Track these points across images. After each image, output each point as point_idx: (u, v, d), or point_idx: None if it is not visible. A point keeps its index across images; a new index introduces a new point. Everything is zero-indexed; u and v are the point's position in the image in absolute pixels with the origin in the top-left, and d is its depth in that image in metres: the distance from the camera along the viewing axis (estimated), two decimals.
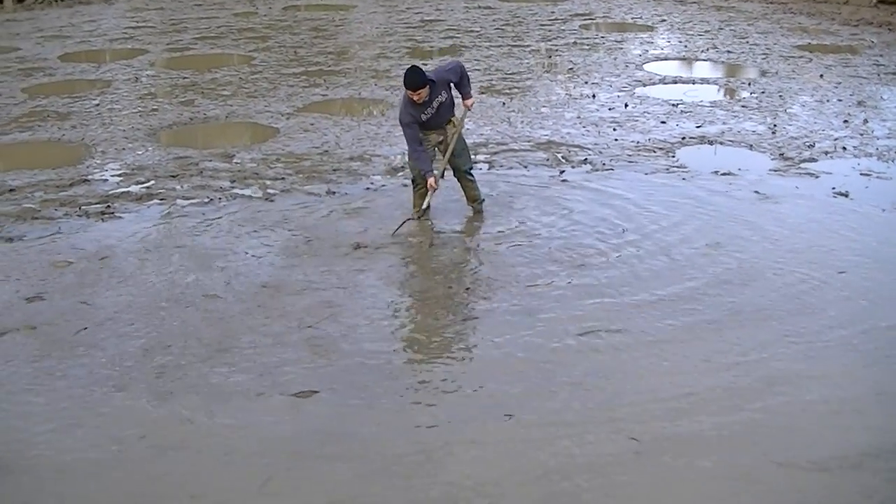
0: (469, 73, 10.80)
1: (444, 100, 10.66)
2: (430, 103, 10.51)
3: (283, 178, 12.78)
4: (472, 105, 11.05)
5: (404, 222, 10.79)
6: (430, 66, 19.65)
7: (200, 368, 7.96)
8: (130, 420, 7.25)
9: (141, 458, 6.82)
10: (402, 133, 10.79)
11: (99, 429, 7.16)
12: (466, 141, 11.32)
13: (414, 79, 10.20)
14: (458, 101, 10.92)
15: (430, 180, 10.57)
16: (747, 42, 22.89)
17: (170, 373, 7.89)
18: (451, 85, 10.78)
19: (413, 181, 11.11)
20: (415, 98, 10.31)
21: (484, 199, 11.39)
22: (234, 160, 13.70)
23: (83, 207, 11.75)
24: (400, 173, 12.66)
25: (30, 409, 7.40)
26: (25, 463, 6.77)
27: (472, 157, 11.81)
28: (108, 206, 11.77)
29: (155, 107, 17.17)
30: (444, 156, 11.00)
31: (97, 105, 17.33)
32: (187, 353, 8.22)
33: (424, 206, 10.86)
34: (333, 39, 24.65)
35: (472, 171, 11.28)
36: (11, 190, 12.43)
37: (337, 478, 6.56)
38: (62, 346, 8.37)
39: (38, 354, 8.23)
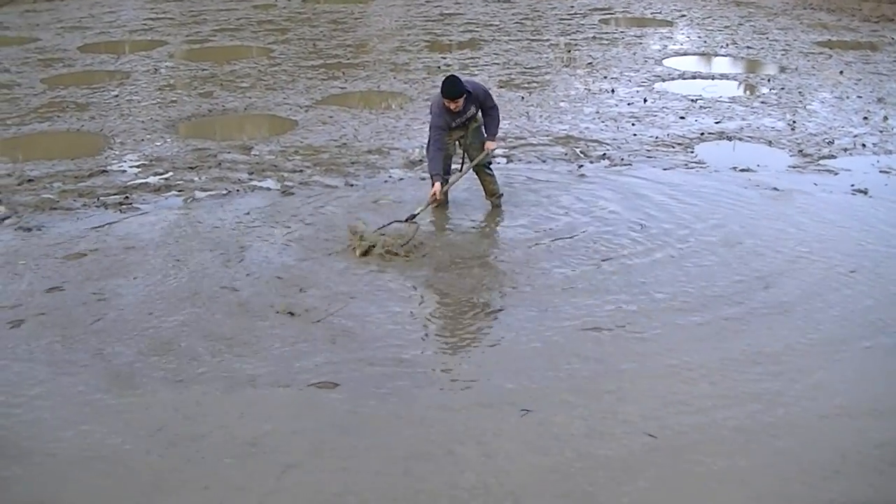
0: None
1: (473, 112, 10.76)
2: (463, 113, 10.59)
3: (301, 171, 12.79)
4: (492, 149, 11.08)
5: (391, 223, 10.66)
6: (448, 60, 19.71)
7: (218, 360, 7.96)
8: (148, 411, 7.26)
9: (158, 448, 6.82)
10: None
11: (116, 419, 7.16)
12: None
13: (453, 89, 10.26)
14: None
15: (437, 186, 10.51)
16: (767, 38, 22.83)
17: (187, 364, 7.90)
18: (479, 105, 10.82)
19: (431, 175, 11.10)
20: (451, 107, 10.37)
21: (502, 194, 11.37)
22: (253, 152, 13.72)
23: (101, 198, 11.77)
24: (418, 167, 12.65)
25: (47, 399, 7.41)
26: (43, 453, 6.78)
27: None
28: (127, 198, 11.80)
29: (174, 98, 17.21)
30: (464, 152, 11.01)
31: (116, 96, 17.39)
32: (205, 344, 8.22)
33: (417, 211, 10.62)
34: (352, 32, 24.67)
35: (490, 166, 11.27)
36: (30, 180, 12.46)
37: (354, 470, 6.55)
38: (80, 336, 8.38)
39: (56, 345, 8.24)
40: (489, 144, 10.94)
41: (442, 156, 10.66)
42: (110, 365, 7.89)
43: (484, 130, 11.01)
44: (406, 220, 10.52)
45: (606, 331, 8.37)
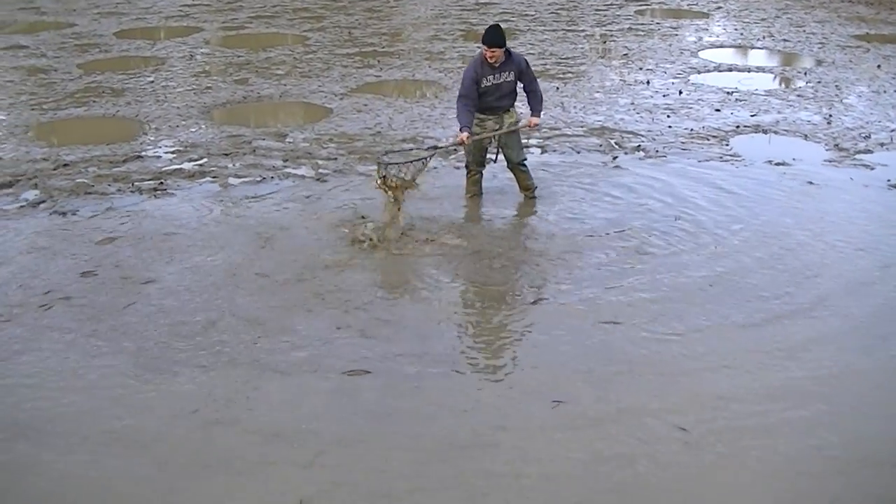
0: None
1: (509, 79, 10.63)
2: (498, 70, 10.51)
3: (335, 159, 12.81)
4: (535, 125, 11.06)
5: (412, 149, 11.10)
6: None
7: (251, 346, 7.99)
8: (180, 395, 7.29)
9: (190, 432, 6.86)
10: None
11: (147, 402, 7.20)
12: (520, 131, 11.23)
13: (494, 36, 10.28)
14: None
15: (464, 134, 10.43)
16: (804, 31, 22.70)
17: (220, 350, 7.92)
18: (520, 84, 10.82)
19: (467, 166, 11.11)
20: (488, 55, 10.34)
21: (537, 187, 11.33)
22: (287, 139, 13.74)
23: (136, 184, 11.83)
24: (452, 156, 12.63)
25: (79, 382, 7.46)
26: (75, 434, 6.83)
27: (525, 142, 11.74)
28: (161, 183, 11.84)
29: (209, 85, 17.25)
30: (499, 150, 10.97)
31: (152, 82, 17.45)
32: (238, 330, 8.25)
33: (441, 145, 10.94)
34: (388, 21, 24.68)
35: (525, 163, 11.23)
36: (66, 165, 12.53)
37: (385, 458, 6.56)
38: (112, 320, 8.43)
39: (88, 328, 8.28)
40: (533, 120, 10.91)
41: (469, 109, 10.55)
42: (142, 349, 7.93)
43: (521, 127, 11.01)
44: (427, 149, 10.74)
45: (641, 327, 8.32)
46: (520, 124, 11.00)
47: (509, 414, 7.06)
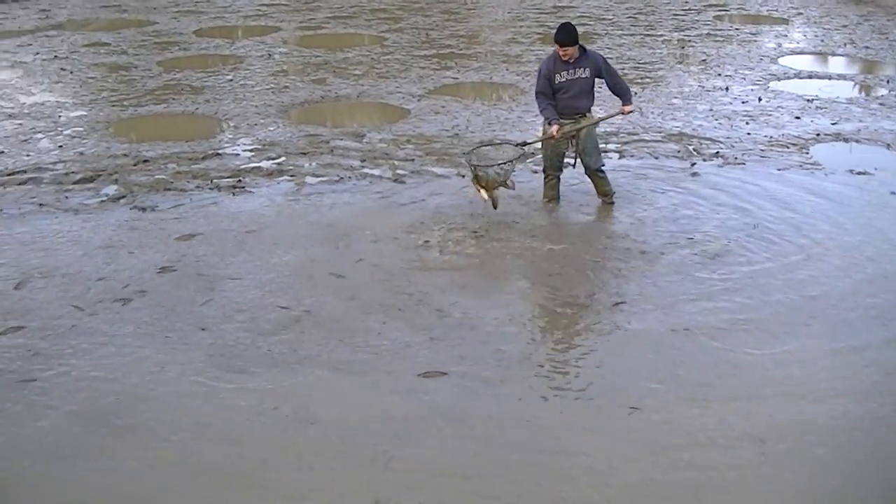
0: None
1: (584, 75, 10.58)
2: (572, 66, 10.49)
3: (412, 160, 12.82)
4: (629, 111, 10.96)
5: (503, 143, 11.29)
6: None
7: (328, 345, 8.01)
8: (256, 392, 7.31)
9: (267, 428, 6.89)
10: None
11: (224, 398, 7.24)
12: (598, 131, 11.18)
13: (564, 35, 10.31)
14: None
15: (555, 127, 10.49)
16: (887, 38, 22.41)
17: (297, 349, 7.95)
18: (602, 78, 10.77)
19: (544, 170, 11.08)
20: (561, 53, 10.36)
21: (615, 192, 11.25)
22: (365, 140, 13.79)
23: (214, 181, 11.93)
24: (530, 160, 12.57)
25: (158, 378, 7.52)
26: (156, 427, 6.88)
27: (603, 147, 11.68)
28: (239, 181, 11.93)
29: (287, 84, 17.37)
30: (577, 156, 10.97)
31: (230, 80, 17.61)
32: (314, 330, 8.27)
33: (530, 142, 11.06)
34: (465, 23, 24.72)
35: (603, 169, 11.16)
36: (145, 161, 12.66)
37: (460, 461, 6.54)
38: (189, 316, 8.50)
39: (165, 324, 8.36)
40: (626, 108, 10.81)
41: (551, 104, 10.62)
42: (219, 346, 7.98)
43: (614, 115, 11.09)
44: (517, 145, 10.82)
45: (723, 342, 8.16)
46: (613, 112, 11.01)
47: (584, 422, 7.00)
